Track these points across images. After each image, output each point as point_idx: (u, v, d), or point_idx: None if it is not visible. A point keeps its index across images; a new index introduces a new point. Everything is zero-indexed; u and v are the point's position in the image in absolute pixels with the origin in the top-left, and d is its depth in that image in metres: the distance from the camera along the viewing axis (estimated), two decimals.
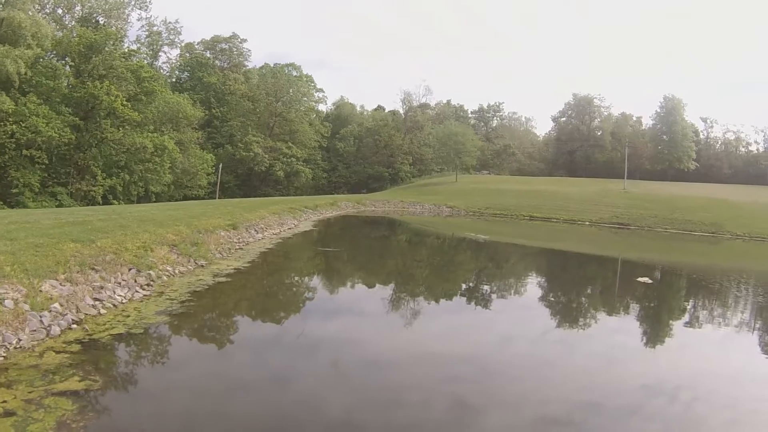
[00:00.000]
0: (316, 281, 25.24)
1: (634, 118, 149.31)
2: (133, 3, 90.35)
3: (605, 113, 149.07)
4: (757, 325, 20.51)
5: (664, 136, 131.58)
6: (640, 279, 27.61)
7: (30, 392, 9.11)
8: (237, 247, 28.02)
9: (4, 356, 10.48)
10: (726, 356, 16.00)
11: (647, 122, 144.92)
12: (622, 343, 16.34)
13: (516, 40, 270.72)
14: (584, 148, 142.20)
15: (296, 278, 25.34)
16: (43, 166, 58.51)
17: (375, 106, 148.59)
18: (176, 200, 71.46)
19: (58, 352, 11.06)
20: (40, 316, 12.00)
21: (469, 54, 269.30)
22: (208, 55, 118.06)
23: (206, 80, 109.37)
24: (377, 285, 24.74)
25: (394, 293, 22.80)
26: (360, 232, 50.47)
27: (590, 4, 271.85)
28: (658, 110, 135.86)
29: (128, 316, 14.17)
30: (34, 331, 11.56)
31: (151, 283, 17.55)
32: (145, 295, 16.33)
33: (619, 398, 11.60)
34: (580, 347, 15.91)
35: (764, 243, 55.40)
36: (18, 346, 10.94)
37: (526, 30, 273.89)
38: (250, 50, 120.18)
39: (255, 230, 33.94)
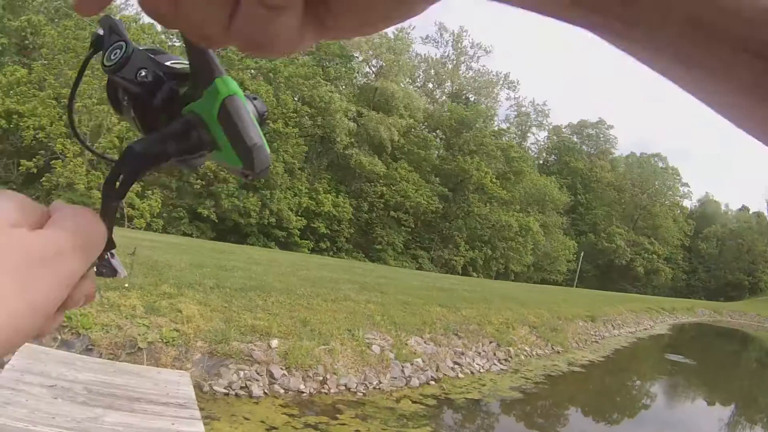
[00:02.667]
0: (661, 389, 23.79)
1: None
2: (501, 82, 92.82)
3: None
4: None
5: None
6: None
7: (383, 429, 9.60)
8: (593, 339, 27.53)
9: (363, 393, 11.30)
10: None
11: None
12: None
13: None
14: None
15: (643, 382, 24.44)
16: (408, 229, 62.10)
17: (740, 206, 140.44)
18: (534, 282, 71.89)
19: (413, 402, 11.60)
20: (402, 367, 12.82)
21: None
22: (575, 139, 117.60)
23: (573, 165, 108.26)
24: (717, 404, 23.05)
25: (732, 416, 21.25)
26: (712, 344, 47.14)
27: None
28: None
29: (484, 384, 14.48)
30: (395, 378, 12.36)
31: (509, 359, 17.79)
32: (501, 369, 16.60)
33: None
34: None
35: None
36: (377, 387, 11.77)
37: None
38: (616, 137, 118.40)
39: (612, 325, 33.23)
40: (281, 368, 10.53)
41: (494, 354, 17.30)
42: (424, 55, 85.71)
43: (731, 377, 31.04)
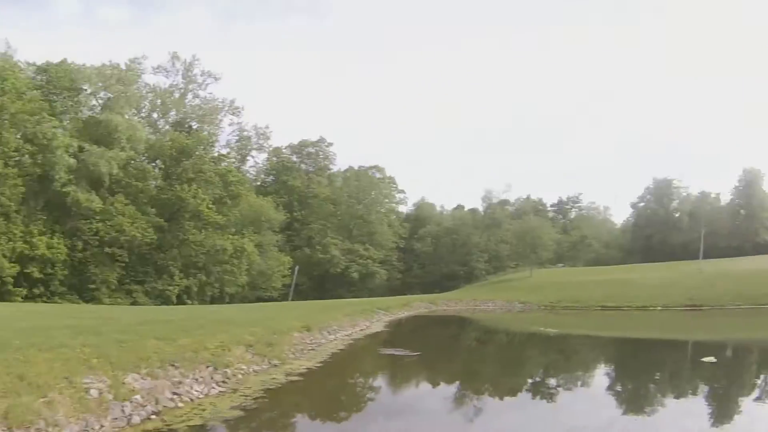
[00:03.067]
0: (383, 381, 25.63)
1: (713, 196, 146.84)
2: (226, 109, 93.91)
3: (684, 194, 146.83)
4: None
5: (742, 210, 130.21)
6: (704, 359, 27.40)
7: None
8: (310, 347, 28.88)
9: None
10: None
11: (725, 198, 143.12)
12: (689, 427, 16.17)
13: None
14: (662, 231, 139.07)
15: (364, 379, 25.92)
16: (123, 264, 61.67)
17: (455, 205, 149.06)
18: (249, 301, 72.61)
19: None
20: (122, 406, 13.42)
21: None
22: (295, 159, 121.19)
23: (290, 183, 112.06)
24: (442, 384, 24.67)
25: (458, 391, 22.93)
26: (430, 332, 50.50)
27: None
28: (737, 184, 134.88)
29: (204, 409, 15.33)
30: (116, 419, 12.96)
31: (227, 380, 18.76)
32: (221, 391, 17.54)
33: None
34: None
35: None
36: None
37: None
38: (335, 153, 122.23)
39: (327, 331, 34.70)
40: (2, 429, 10.61)
41: (212, 378, 18.19)
42: (153, 84, 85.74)
43: (451, 358, 33.51)
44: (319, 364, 24.79)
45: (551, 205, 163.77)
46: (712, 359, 27.23)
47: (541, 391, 23.16)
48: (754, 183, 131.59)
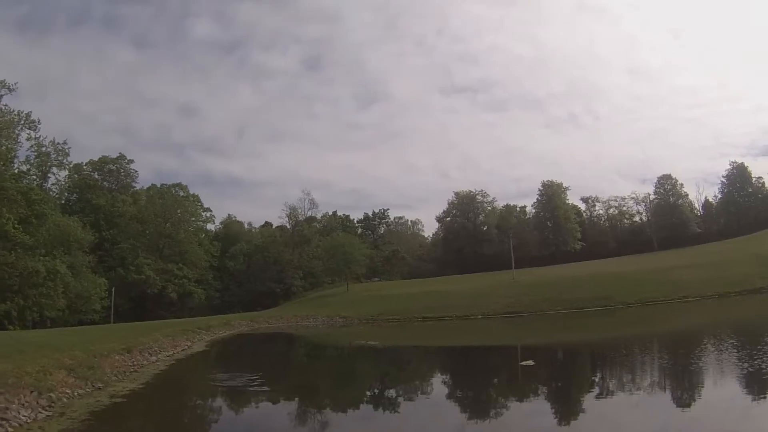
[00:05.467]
0: (211, 402, 24.87)
1: (518, 209, 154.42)
2: (22, 122, 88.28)
3: (488, 208, 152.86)
4: (646, 383, 22.53)
5: (548, 222, 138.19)
6: (523, 363, 28.39)
7: None
8: (132, 369, 28.49)
9: None
10: (635, 416, 16.67)
11: (531, 210, 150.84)
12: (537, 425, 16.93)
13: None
14: (472, 244, 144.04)
15: (190, 399, 25.62)
16: None
17: (262, 223, 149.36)
18: (71, 325, 70.09)
19: None
20: None
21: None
22: (96, 176, 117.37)
23: (95, 202, 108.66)
24: (282, 401, 24.07)
25: (300, 408, 22.66)
26: (256, 350, 50.78)
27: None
28: (539, 197, 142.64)
29: None
30: None
31: (53, 404, 18.19)
32: (47, 416, 17.00)
33: None
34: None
35: (655, 306, 58.18)
36: None
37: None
38: (137, 171, 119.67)
39: (149, 353, 34.40)
40: None
41: (37, 402, 17.60)
42: None
43: (284, 375, 33.07)
44: (141, 386, 24.52)
45: (358, 221, 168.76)
46: (530, 362, 28.18)
47: (382, 402, 23.52)
48: (555, 196, 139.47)
